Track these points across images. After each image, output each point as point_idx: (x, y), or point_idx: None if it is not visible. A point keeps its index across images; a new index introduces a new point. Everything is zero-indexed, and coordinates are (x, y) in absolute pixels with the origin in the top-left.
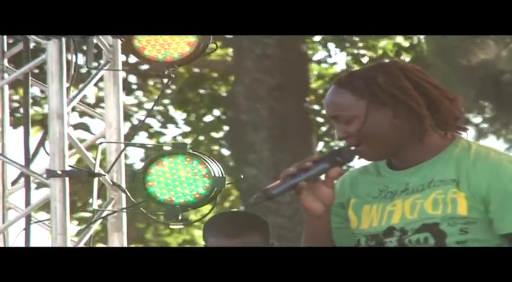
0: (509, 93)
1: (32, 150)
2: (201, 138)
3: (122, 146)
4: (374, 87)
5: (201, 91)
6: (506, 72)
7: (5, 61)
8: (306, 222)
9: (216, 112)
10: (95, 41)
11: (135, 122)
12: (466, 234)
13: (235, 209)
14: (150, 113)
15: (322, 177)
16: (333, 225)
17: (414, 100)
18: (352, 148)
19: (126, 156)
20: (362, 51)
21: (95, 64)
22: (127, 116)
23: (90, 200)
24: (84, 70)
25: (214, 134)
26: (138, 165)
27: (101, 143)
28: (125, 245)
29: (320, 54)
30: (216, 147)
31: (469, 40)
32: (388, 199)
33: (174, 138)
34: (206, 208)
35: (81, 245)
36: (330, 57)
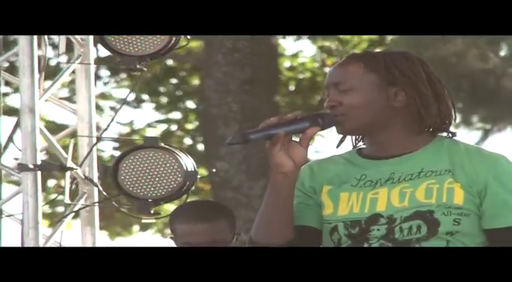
0: (479, 88)
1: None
2: (174, 128)
3: (94, 139)
4: (391, 65)
5: (173, 82)
6: (475, 69)
7: None
8: (271, 181)
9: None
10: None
11: (107, 114)
12: (458, 225)
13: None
14: (122, 107)
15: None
16: (300, 201)
17: (426, 87)
18: (340, 118)
19: (98, 150)
20: (333, 45)
21: (66, 58)
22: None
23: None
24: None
25: (188, 126)
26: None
27: (73, 137)
28: (97, 239)
29: (292, 47)
30: (188, 140)
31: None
32: (368, 187)
33: (148, 125)
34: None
35: (53, 239)
36: (302, 51)
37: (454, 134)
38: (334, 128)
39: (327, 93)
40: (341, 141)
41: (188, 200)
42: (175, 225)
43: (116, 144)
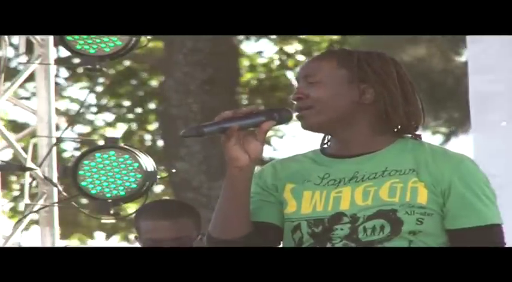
0: (439, 89)
1: None
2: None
3: (54, 140)
4: (364, 62)
5: (133, 83)
6: (436, 70)
7: None
8: (227, 175)
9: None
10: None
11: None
12: (421, 224)
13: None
14: (82, 107)
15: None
16: (260, 198)
17: (395, 87)
18: (295, 113)
19: (60, 150)
20: (295, 46)
21: (26, 58)
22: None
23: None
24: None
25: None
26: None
27: (32, 137)
28: (57, 239)
29: (252, 48)
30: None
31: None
32: (332, 186)
33: (107, 124)
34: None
35: (12, 239)
36: (262, 52)
37: (419, 137)
38: (299, 123)
39: (296, 87)
40: (322, 140)
41: (148, 201)
42: (140, 222)
43: (77, 145)
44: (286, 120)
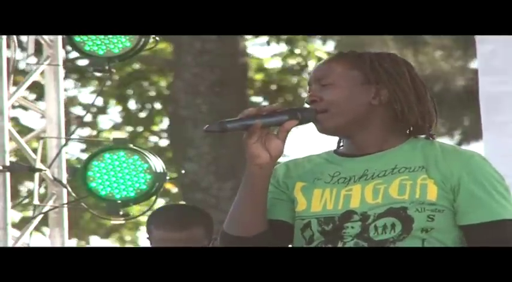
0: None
1: None
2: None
3: (63, 141)
4: (376, 63)
5: (141, 84)
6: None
7: None
8: (246, 172)
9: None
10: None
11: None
12: (432, 221)
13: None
14: (90, 109)
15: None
16: (273, 196)
17: (409, 87)
18: (321, 115)
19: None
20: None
21: (35, 59)
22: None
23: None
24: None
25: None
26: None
27: (42, 138)
28: (66, 240)
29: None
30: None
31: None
32: (342, 184)
33: (113, 127)
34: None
35: (22, 240)
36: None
37: (432, 137)
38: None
39: (308, 89)
40: (338, 143)
41: (158, 201)
42: (152, 229)
43: (83, 147)
44: (308, 120)
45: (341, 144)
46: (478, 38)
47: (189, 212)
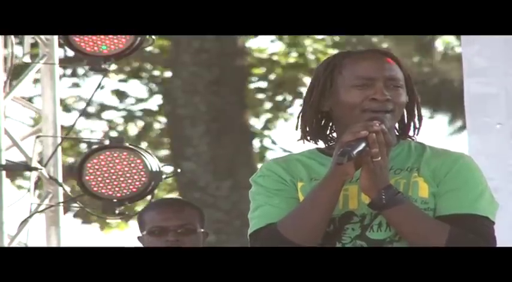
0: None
1: None
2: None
3: (59, 139)
4: (403, 69)
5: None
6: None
7: None
8: (327, 184)
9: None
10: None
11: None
12: None
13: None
14: (87, 106)
15: None
16: (288, 195)
17: (413, 91)
18: (373, 114)
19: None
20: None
21: (31, 58)
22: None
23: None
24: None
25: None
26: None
27: (38, 137)
28: (62, 239)
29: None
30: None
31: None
32: None
33: (110, 121)
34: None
35: (18, 239)
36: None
37: (412, 139)
38: None
39: (370, 83)
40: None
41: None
42: (144, 216)
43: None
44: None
45: (331, 143)
46: (464, 39)
47: (179, 199)
